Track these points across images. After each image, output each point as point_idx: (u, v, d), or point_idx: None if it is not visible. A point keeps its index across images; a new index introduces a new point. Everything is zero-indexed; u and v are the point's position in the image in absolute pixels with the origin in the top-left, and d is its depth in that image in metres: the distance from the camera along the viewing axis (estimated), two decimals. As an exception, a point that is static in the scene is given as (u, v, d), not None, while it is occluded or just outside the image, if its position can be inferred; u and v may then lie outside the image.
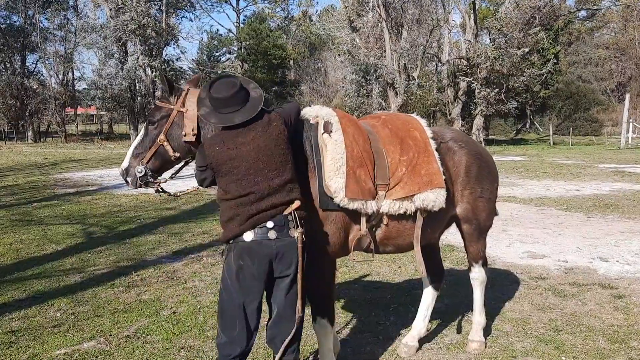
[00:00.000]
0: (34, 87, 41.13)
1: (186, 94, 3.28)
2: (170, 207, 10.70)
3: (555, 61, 42.93)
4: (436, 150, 3.59)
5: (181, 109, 3.24)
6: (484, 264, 4.14)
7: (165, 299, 5.43)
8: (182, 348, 4.27)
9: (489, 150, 29.12)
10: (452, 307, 5.16)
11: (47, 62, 42.72)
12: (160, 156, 3.34)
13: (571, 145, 33.55)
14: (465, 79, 33.07)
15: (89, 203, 11.31)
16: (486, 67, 31.67)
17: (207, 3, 51.51)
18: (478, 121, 34.41)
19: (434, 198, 3.40)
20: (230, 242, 2.95)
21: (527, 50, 31.74)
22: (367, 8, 33.86)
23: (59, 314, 5.01)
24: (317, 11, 60.87)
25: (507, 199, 11.72)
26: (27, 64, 44.36)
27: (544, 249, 7.34)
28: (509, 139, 41.78)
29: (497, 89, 32.56)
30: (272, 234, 2.85)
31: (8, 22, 42.59)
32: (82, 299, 5.42)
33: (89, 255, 7.14)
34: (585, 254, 7.08)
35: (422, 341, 4.32)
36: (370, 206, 3.26)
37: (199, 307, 5.19)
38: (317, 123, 3.32)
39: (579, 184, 14.23)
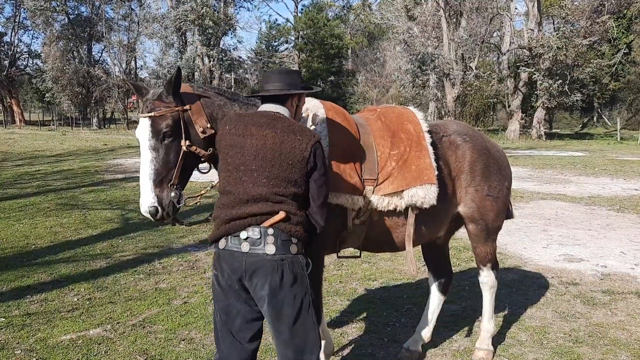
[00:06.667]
0: (99, 75, 42.95)
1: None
2: (209, 195, 10.81)
3: (627, 51, 40.50)
4: (434, 144, 3.40)
5: (186, 107, 2.91)
6: (494, 267, 3.89)
7: (180, 288, 5.47)
8: (184, 340, 4.27)
9: (550, 144, 28.28)
10: (470, 310, 4.91)
11: (111, 51, 44.50)
12: (187, 167, 2.93)
13: (640, 141, 31.58)
14: (527, 69, 31.80)
15: (133, 189, 11.60)
16: (549, 57, 30.34)
17: (265, -8, 51.83)
18: (539, 114, 33.14)
19: (423, 194, 3.21)
20: (213, 244, 2.66)
21: (594, 39, 30.11)
22: (425, -4, 33.10)
23: (76, 299, 5.14)
24: (376, 0, 60.07)
25: (555, 196, 11.15)
26: (93, 53, 46.41)
27: (584, 252, 6.89)
28: (573, 133, 39.84)
29: (560, 80, 31.17)
30: (245, 247, 2.50)
31: (76, 12, 44.69)
32: (102, 285, 5.54)
33: (120, 241, 7.32)
34: (628, 258, 6.60)
35: (428, 346, 4.13)
36: (356, 201, 3.11)
37: (210, 298, 5.17)
38: (307, 116, 3.20)
39: None
